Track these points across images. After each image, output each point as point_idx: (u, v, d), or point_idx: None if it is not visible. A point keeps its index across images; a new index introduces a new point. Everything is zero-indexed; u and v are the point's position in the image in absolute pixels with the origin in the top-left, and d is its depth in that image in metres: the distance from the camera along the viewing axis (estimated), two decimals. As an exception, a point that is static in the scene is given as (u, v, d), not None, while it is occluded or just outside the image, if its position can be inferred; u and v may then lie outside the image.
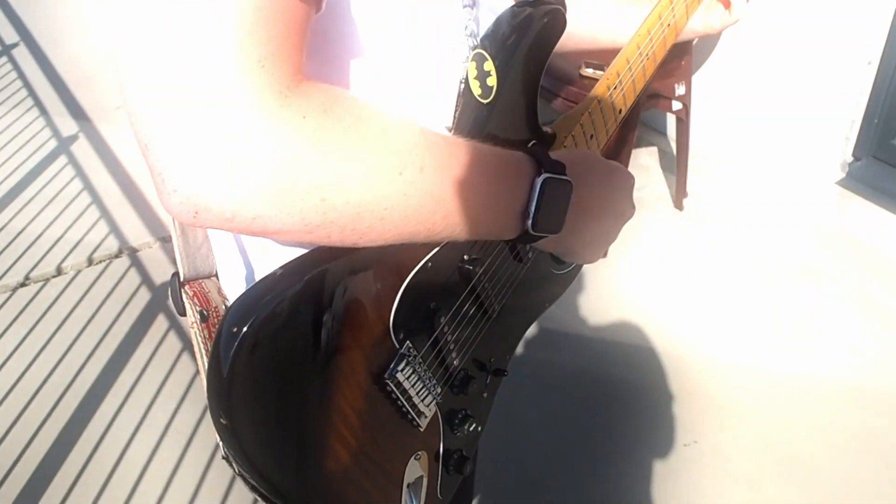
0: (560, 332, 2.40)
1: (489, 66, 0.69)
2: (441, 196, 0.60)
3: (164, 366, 2.32)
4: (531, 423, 2.10)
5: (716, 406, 2.17)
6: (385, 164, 0.56)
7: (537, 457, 2.02)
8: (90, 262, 2.80)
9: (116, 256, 2.83)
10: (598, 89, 0.87)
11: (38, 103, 3.93)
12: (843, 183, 2.71)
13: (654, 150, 3.46)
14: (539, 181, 0.67)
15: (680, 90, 2.71)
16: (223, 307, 0.77)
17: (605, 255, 0.86)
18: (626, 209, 0.82)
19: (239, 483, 1.97)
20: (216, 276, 0.82)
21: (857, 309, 2.44)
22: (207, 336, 0.75)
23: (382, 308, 0.67)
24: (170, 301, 2.62)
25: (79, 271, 2.76)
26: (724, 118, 3.05)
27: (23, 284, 2.69)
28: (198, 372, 0.79)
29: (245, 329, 0.55)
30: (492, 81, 0.69)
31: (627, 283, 2.62)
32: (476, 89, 0.70)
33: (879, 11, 2.40)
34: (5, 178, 3.30)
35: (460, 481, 0.87)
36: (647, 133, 3.49)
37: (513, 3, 0.72)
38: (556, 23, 0.71)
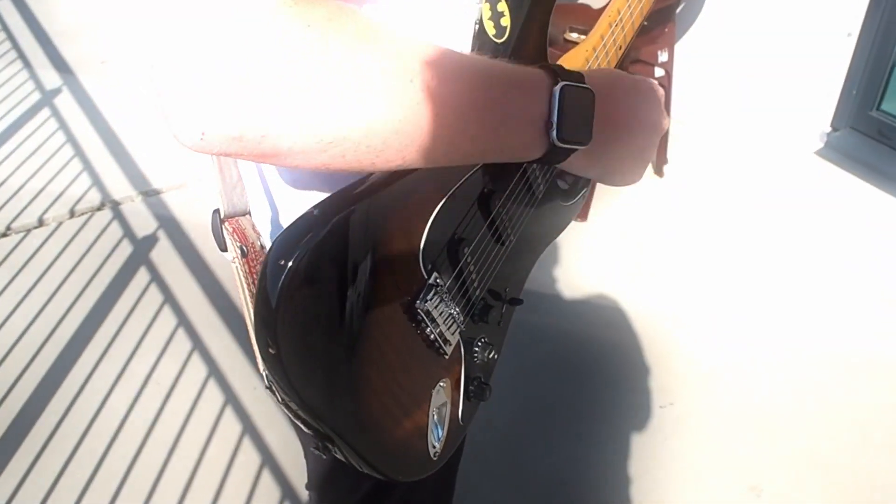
0: (537, 293, 2.44)
1: (503, 6, 0.71)
2: (457, 108, 0.59)
3: (144, 318, 2.34)
4: (504, 382, 2.13)
5: (693, 369, 2.21)
6: (394, 70, 0.54)
7: (510, 416, 2.06)
8: (72, 213, 2.81)
9: (98, 209, 2.84)
10: (600, 26, 0.90)
11: (22, 56, 3.91)
12: (821, 153, 2.74)
13: (637, 116, 3.46)
14: (557, 89, 0.65)
15: (663, 57, 2.72)
16: (258, 243, 0.79)
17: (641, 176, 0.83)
18: (658, 120, 0.79)
19: (219, 435, 2.01)
20: (249, 213, 0.84)
21: (834, 277, 2.49)
22: (248, 271, 0.78)
23: (412, 241, 0.71)
24: (153, 253, 2.62)
25: (60, 223, 2.77)
26: (706, 86, 3.06)
27: (4, 235, 2.70)
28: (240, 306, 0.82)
29: (290, 263, 0.59)
30: (505, 21, 0.71)
31: (607, 247, 2.65)
32: (490, 30, 0.71)
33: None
34: (-12, 130, 3.30)
35: (478, 408, 0.90)
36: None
37: None
38: None
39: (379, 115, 0.54)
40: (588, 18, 2.48)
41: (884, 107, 2.59)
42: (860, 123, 2.64)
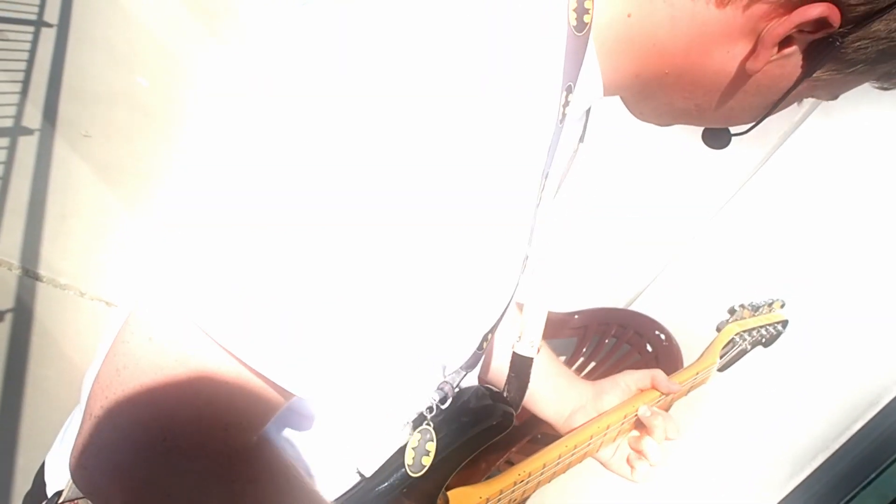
0: None
1: (431, 447, 0.71)
2: None
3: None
4: None
5: None
6: None
7: None
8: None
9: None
10: (505, 481, 0.88)
11: (26, 83, 3.81)
12: None
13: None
14: None
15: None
16: None
17: None
18: None
19: None
20: None
21: None
22: None
23: None
24: None
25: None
26: None
27: None
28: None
29: None
30: (427, 461, 0.71)
31: None
32: (409, 459, 0.71)
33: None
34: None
35: None
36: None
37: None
38: (504, 425, 0.75)
39: None
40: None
41: None
42: None
